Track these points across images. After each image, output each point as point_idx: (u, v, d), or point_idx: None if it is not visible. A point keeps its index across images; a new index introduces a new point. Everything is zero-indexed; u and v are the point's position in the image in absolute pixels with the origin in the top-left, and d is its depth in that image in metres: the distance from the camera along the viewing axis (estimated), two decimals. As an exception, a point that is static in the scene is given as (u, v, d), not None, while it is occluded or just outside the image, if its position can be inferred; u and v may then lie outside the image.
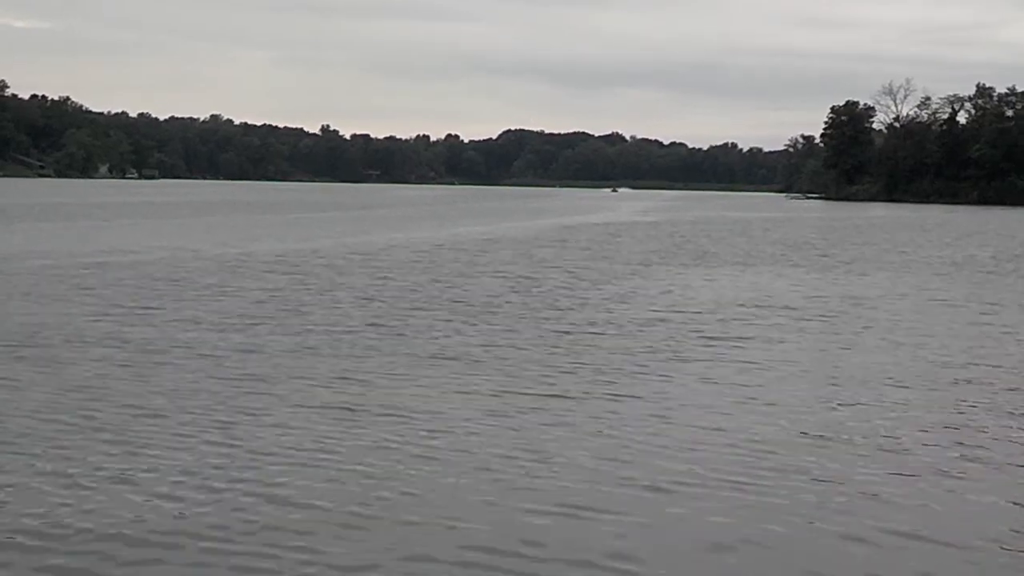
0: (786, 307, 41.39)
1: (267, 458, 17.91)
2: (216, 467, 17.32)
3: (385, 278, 49.10)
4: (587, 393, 23.82)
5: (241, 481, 16.51)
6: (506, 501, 15.98)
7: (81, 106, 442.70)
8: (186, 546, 13.91)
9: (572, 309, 39.08)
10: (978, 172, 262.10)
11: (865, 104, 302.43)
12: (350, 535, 14.44)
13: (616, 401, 23.15)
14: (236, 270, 50.91)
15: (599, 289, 46.39)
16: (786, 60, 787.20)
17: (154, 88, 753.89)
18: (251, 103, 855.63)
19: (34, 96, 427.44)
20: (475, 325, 34.26)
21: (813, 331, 35.01)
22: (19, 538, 14.08)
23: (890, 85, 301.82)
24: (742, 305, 41.64)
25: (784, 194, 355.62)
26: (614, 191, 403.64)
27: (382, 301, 40.25)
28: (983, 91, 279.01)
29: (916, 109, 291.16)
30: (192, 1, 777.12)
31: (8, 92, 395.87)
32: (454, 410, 21.81)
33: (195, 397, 22.37)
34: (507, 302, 40.83)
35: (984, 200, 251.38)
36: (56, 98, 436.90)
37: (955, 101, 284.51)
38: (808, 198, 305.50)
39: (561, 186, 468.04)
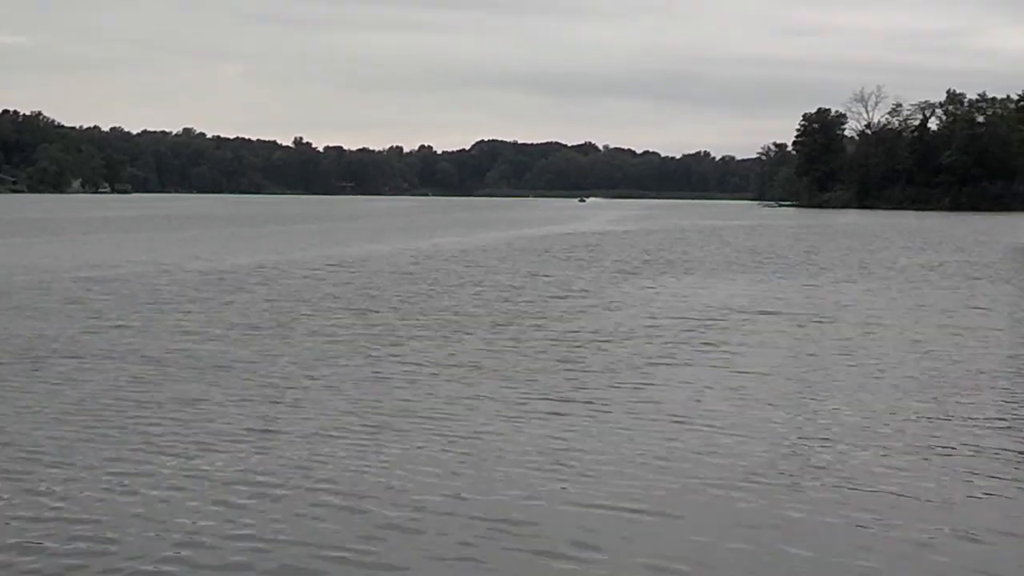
0: (775, 312, 41.86)
1: (297, 467, 18.20)
2: (258, 472, 17.67)
3: (372, 289, 49.41)
4: (598, 398, 24.15)
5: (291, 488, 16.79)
6: (537, 505, 16.22)
7: (53, 121, 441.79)
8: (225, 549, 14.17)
9: (565, 318, 39.38)
10: (949, 178, 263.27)
11: (837, 111, 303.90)
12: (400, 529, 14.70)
13: (638, 403, 23.73)
14: (221, 282, 51.12)
15: (584, 298, 46.68)
16: (759, 68, 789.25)
17: (126, 102, 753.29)
18: (224, 116, 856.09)
19: (5, 111, 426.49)
20: (470, 334, 34.60)
21: (804, 337, 35.34)
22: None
23: (861, 92, 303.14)
24: (732, 311, 41.99)
25: (757, 202, 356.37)
26: (582, 201, 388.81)
27: (375, 311, 40.63)
28: (954, 97, 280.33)
29: (887, 116, 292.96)
30: (166, 16, 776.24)
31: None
32: (470, 415, 22.31)
33: (203, 407, 22.61)
34: (497, 311, 41.10)
35: (956, 206, 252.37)
36: (28, 113, 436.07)
37: (926, 108, 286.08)
38: (781, 206, 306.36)
39: (535, 196, 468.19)
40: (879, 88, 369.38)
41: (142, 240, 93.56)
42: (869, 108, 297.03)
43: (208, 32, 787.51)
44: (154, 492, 16.71)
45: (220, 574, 13.65)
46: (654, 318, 39.87)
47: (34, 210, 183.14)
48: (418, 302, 44.26)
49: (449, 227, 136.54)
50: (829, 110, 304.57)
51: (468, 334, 34.83)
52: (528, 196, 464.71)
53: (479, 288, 50.80)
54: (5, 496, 16.50)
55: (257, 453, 19.13)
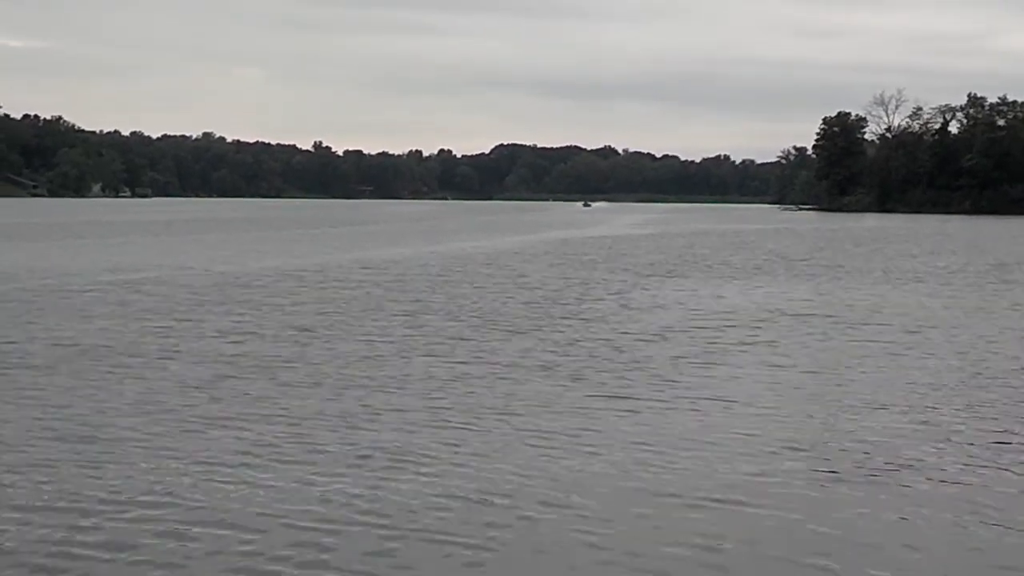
0: (810, 315, 42.18)
1: (391, 465, 18.67)
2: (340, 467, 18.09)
3: (412, 291, 49.99)
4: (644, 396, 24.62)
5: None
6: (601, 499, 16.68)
7: (73, 125, 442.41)
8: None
9: (609, 319, 39.87)
10: (970, 182, 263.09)
11: (857, 115, 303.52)
12: (475, 521, 15.19)
13: (702, 400, 24.13)
14: (259, 285, 51.66)
15: (620, 299, 47.09)
16: (779, 71, 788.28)
17: (147, 107, 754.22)
18: (244, 120, 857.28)
19: (26, 116, 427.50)
20: (522, 334, 35.19)
21: (835, 338, 35.70)
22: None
23: (881, 95, 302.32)
24: (775, 313, 42.47)
25: (777, 206, 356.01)
26: (586, 205, 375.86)
27: (423, 314, 41.15)
28: (975, 101, 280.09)
29: (908, 119, 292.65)
30: (186, 20, 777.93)
31: (0, 112, 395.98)
32: (543, 412, 22.75)
33: (272, 404, 23.15)
34: (540, 313, 41.66)
35: (977, 210, 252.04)
36: (48, 117, 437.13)
37: (947, 111, 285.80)
38: (801, 209, 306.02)
39: (554, 199, 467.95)
40: (899, 91, 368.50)
41: (173, 244, 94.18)
42: (889, 111, 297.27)
43: (228, 36, 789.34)
44: (242, 489, 17.28)
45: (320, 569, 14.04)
46: (696, 318, 40.37)
47: (58, 214, 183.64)
48: (464, 304, 44.79)
49: (472, 230, 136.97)
50: (849, 113, 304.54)
51: (520, 334, 35.48)
52: (547, 200, 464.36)
53: (518, 290, 51.38)
54: (92, 483, 17.02)
55: (347, 445, 19.74)
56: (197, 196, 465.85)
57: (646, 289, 53.04)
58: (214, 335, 34.21)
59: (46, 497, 16.47)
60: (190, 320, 38.05)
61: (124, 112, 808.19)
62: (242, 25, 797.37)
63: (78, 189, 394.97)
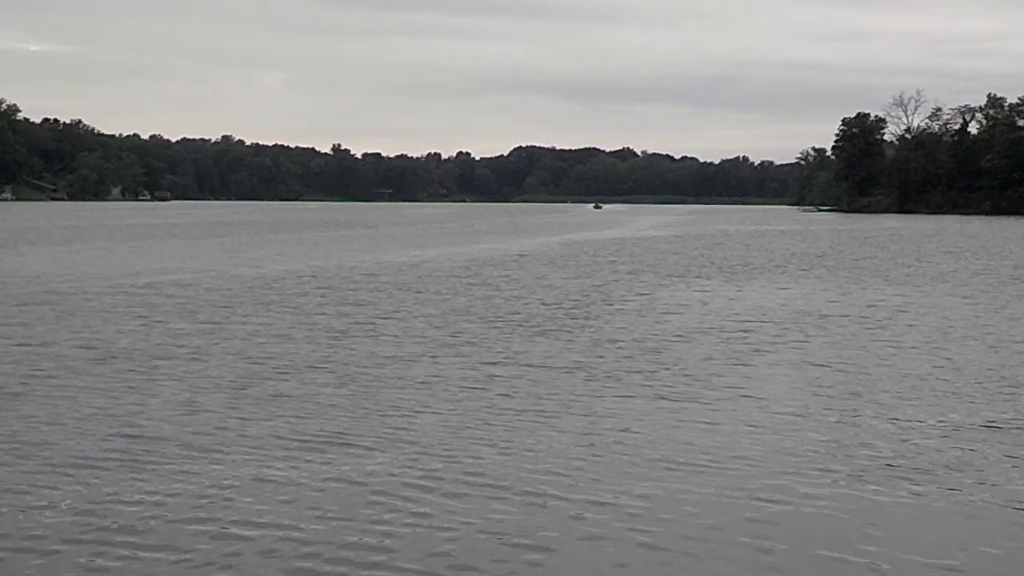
0: (837, 315, 42.26)
1: (444, 461, 18.79)
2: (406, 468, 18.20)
3: (441, 293, 50.19)
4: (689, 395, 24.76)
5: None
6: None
7: (93, 129, 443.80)
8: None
9: (637, 320, 40.00)
10: (990, 182, 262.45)
11: (876, 116, 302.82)
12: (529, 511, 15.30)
13: (740, 398, 24.32)
14: (288, 287, 51.85)
15: (648, 300, 47.21)
16: (798, 73, 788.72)
17: (166, 110, 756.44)
18: (263, 124, 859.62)
19: (46, 120, 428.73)
20: (541, 338, 35.09)
21: (866, 338, 35.75)
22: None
23: (901, 96, 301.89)
24: (799, 314, 42.49)
25: (796, 207, 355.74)
26: (597, 207, 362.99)
27: (454, 314, 41.28)
28: (994, 101, 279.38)
29: (927, 120, 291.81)
30: (205, 24, 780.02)
31: (20, 116, 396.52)
32: (585, 412, 22.76)
33: (313, 404, 23.27)
34: (569, 313, 41.75)
35: (997, 210, 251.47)
36: (68, 121, 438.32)
37: (966, 112, 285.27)
38: (820, 211, 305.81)
39: (573, 202, 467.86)
40: (919, 92, 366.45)
41: (195, 247, 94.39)
42: (909, 112, 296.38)
43: (247, 40, 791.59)
44: (288, 488, 17.41)
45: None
46: (724, 319, 40.45)
47: (78, 218, 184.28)
48: (491, 305, 44.96)
49: (494, 232, 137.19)
50: (869, 115, 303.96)
51: (550, 334, 35.59)
52: (565, 202, 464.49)
53: (545, 291, 51.49)
54: (141, 482, 17.18)
55: (392, 444, 19.85)
56: (216, 199, 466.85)
57: (671, 290, 53.12)
58: (245, 337, 34.35)
59: (96, 496, 16.58)
60: (220, 322, 38.21)
61: (143, 115, 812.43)
62: (264, 29, 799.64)
63: (97, 193, 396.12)
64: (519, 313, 42.24)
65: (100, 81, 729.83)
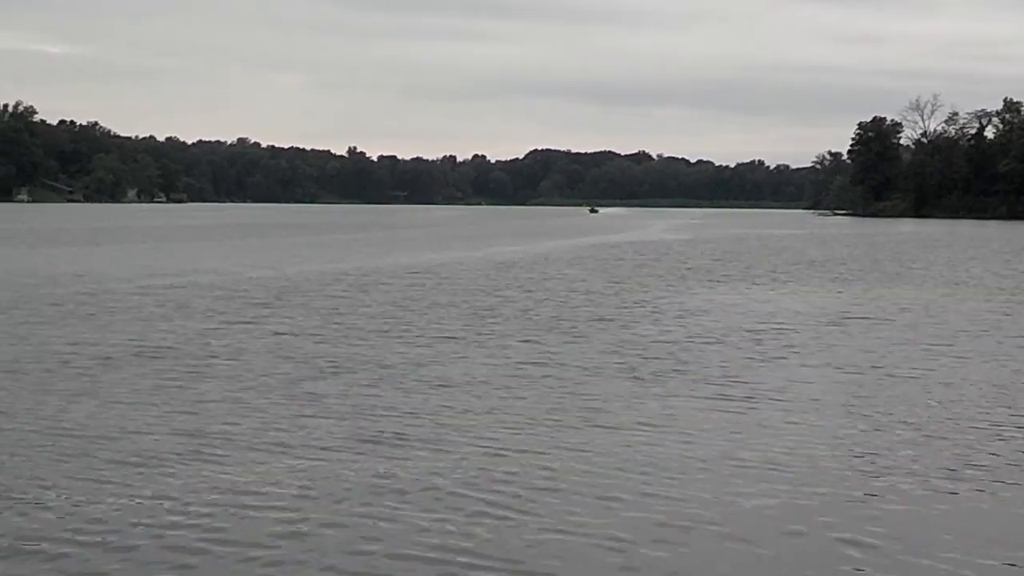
0: (867, 318, 42.60)
1: (490, 459, 19.16)
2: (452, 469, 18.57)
3: (467, 295, 50.46)
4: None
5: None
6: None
7: (109, 131, 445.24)
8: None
9: (661, 322, 40.35)
10: (1007, 187, 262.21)
11: (892, 120, 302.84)
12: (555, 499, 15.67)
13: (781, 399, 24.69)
14: (315, 288, 52.20)
15: (672, 303, 47.55)
16: (814, 77, 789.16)
17: (182, 112, 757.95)
18: (278, 126, 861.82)
19: (62, 122, 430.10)
20: (573, 340, 35.43)
21: (904, 340, 36.03)
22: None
23: (917, 101, 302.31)
24: (828, 315, 42.81)
25: (812, 211, 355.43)
26: (593, 211, 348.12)
27: (465, 317, 41.54)
28: (1011, 106, 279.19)
29: (943, 124, 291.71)
30: (221, 27, 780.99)
31: (37, 118, 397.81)
32: (625, 411, 23.05)
33: (349, 402, 23.65)
34: (592, 315, 42.05)
35: (1013, 215, 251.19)
36: (84, 123, 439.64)
37: (982, 116, 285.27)
38: (836, 215, 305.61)
39: (587, 204, 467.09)
40: (935, 96, 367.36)
41: (216, 248, 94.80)
42: (925, 117, 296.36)
43: (263, 42, 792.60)
44: (341, 482, 17.80)
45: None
46: (753, 321, 40.68)
47: (95, 220, 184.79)
48: (517, 307, 45.34)
49: (511, 235, 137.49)
50: (885, 119, 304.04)
51: (582, 337, 35.89)
52: (581, 205, 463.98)
53: (569, 293, 51.87)
54: (202, 477, 17.60)
55: (445, 442, 20.25)
56: (231, 201, 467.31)
57: (694, 293, 53.35)
58: (283, 336, 34.76)
59: (160, 490, 16.99)
60: (255, 322, 38.62)
61: (159, 118, 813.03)
62: (282, 31, 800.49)
63: (113, 194, 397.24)
64: (551, 315, 42.58)
65: (117, 83, 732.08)
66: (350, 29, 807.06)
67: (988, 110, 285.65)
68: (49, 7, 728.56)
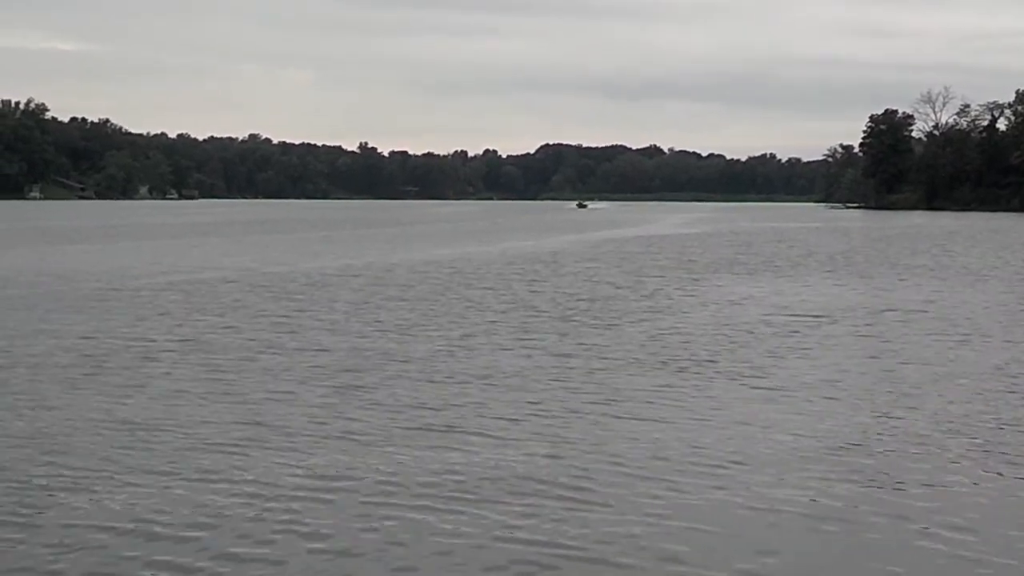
0: (890, 310, 42.93)
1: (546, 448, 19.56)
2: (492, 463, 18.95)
3: (492, 288, 50.88)
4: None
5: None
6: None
7: (121, 128, 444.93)
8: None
9: (681, 314, 40.71)
10: (1019, 179, 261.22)
11: (904, 112, 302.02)
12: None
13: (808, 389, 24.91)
14: (341, 282, 52.62)
15: (694, 296, 47.87)
16: (825, 70, 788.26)
17: (193, 109, 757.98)
18: (290, 122, 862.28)
19: (74, 119, 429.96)
20: (602, 332, 35.78)
21: (935, 333, 36.33)
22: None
23: (929, 93, 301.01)
24: (851, 308, 43.10)
25: (823, 204, 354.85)
26: (581, 206, 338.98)
27: (490, 310, 41.91)
28: (1023, 97, 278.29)
29: (955, 117, 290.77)
30: (232, 23, 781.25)
31: (48, 115, 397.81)
32: (653, 404, 23.45)
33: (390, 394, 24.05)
34: (615, 309, 42.39)
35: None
36: (96, 120, 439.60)
37: (994, 108, 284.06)
38: (847, 208, 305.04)
39: (600, 199, 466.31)
40: (947, 89, 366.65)
41: (233, 244, 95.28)
42: (937, 109, 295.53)
43: (275, 39, 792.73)
44: (413, 468, 18.15)
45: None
46: (775, 313, 41.06)
47: (108, 217, 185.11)
48: (537, 299, 45.67)
49: (524, 230, 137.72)
50: (897, 111, 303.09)
51: (612, 328, 36.23)
52: (592, 199, 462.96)
53: (594, 286, 52.26)
54: (284, 464, 17.97)
55: (497, 431, 20.64)
56: (243, 198, 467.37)
57: (719, 286, 53.62)
58: (316, 330, 35.23)
59: (229, 479, 17.42)
60: (286, 317, 38.97)
61: (171, 114, 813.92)
62: (288, 28, 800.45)
63: (125, 191, 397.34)
64: (581, 308, 42.95)
65: (128, 80, 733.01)
66: (361, 25, 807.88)
67: (1000, 102, 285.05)
68: (60, 5, 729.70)
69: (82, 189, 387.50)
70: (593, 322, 38.18)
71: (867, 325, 38.33)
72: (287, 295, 46.83)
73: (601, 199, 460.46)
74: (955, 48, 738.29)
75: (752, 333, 35.41)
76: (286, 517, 15.53)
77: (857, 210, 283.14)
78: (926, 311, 42.93)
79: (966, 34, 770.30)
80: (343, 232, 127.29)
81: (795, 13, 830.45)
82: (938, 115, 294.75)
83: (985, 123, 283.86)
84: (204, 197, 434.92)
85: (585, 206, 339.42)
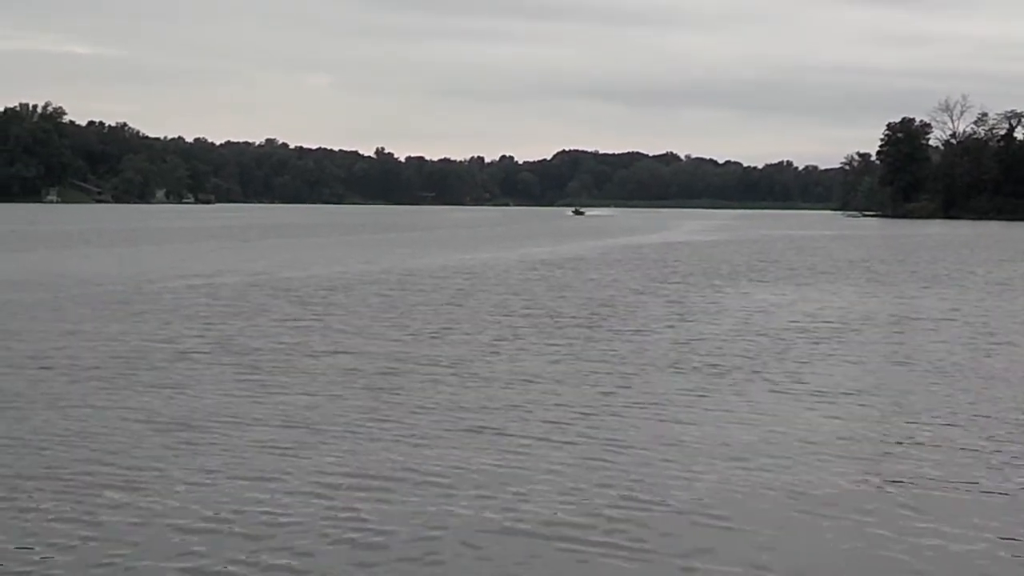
0: (914, 318, 43.04)
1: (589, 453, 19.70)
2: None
3: (511, 294, 50.97)
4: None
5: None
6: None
7: (138, 132, 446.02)
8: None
9: (702, 320, 40.83)
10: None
11: (921, 121, 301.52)
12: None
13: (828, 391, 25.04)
14: (360, 287, 52.80)
15: (715, 302, 48.06)
16: (843, 78, 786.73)
17: (210, 113, 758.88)
18: (306, 127, 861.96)
19: (91, 122, 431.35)
20: (630, 337, 35.96)
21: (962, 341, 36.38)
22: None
23: (946, 101, 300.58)
24: (873, 316, 43.23)
25: (840, 212, 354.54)
26: (577, 212, 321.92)
27: (515, 315, 42.06)
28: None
29: (973, 125, 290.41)
30: (249, 28, 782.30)
31: (66, 119, 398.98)
32: (676, 405, 23.60)
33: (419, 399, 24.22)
34: (636, 315, 42.57)
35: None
36: (113, 124, 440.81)
37: (1012, 117, 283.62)
38: (864, 216, 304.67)
39: (616, 206, 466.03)
40: (964, 97, 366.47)
41: (252, 249, 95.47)
42: (954, 117, 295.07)
43: (291, 44, 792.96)
44: (447, 467, 18.34)
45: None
46: (812, 320, 41.11)
47: (130, 220, 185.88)
48: (561, 305, 45.79)
49: (541, 236, 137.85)
50: (914, 119, 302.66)
51: (640, 332, 36.45)
52: (608, 206, 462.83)
53: (616, 293, 52.41)
54: (334, 461, 18.19)
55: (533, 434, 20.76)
56: (259, 202, 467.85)
57: (744, 292, 53.76)
58: (343, 334, 35.41)
59: (302, 477, 17.68)
60: (311, 320, 39.14)
61: (188, 118, 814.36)
62: (305, 33, 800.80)
63: (142, 195, 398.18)
64: (607, 313, 43.10)
65: (146, 84, 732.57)
66: (378, 30, 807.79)
67: (1018, 111, 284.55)
68: (77, 8, 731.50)
69: (99, 193, 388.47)
70: (620, 327, 38.31)
71: (896, 332, 38.47)
72: (312, 299, 47.02)
73: (617, 206, 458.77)
74: (973, 57, 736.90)
75: (782, 339, 35.57)
76: (347, 515, 15.70)
77: (874, 218, 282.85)
78: (952, 319, 43.02)
79: (985, 44, 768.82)
80: (362, 237, 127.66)
81: (812, 21, 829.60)
82: (956, 123, 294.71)
83: (1003, 132, 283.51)
84: (221, 201, 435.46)
85: (582, 213, 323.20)
